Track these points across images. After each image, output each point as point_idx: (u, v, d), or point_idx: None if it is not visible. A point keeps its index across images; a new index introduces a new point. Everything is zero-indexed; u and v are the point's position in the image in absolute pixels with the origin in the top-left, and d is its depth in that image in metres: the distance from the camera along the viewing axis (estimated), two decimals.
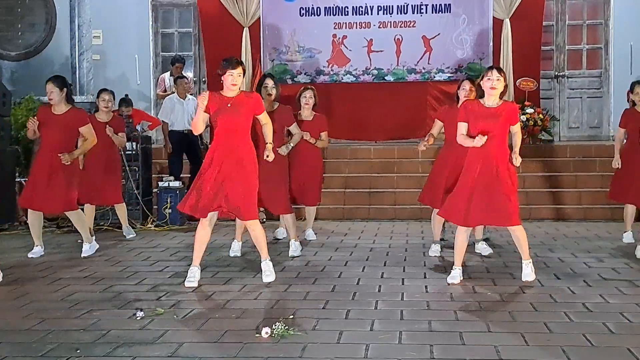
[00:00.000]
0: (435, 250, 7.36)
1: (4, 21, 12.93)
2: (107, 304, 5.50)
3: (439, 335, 4.63)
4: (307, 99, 7.96)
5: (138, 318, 5.04)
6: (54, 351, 4.37)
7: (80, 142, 7.50)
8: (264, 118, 6.25)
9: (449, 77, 12.06)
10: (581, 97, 12.74)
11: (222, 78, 6.01)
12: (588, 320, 4.94)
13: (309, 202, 8.30)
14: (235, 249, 7.41)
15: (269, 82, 7.29)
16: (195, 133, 6.43)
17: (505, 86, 6.05)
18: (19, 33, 12.98)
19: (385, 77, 12.24)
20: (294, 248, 7.43)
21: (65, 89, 7.28)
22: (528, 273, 6.07)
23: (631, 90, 8.02)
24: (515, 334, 4.63)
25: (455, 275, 6.11)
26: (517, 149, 6.02)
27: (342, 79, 12.30)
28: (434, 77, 12.15)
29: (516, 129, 6.08)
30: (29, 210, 7.41)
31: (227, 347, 4.42)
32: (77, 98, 10.62)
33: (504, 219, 6.01)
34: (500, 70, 5.99)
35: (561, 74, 12.68)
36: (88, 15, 12.74)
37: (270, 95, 7.24)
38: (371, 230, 9.26)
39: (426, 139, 7.30)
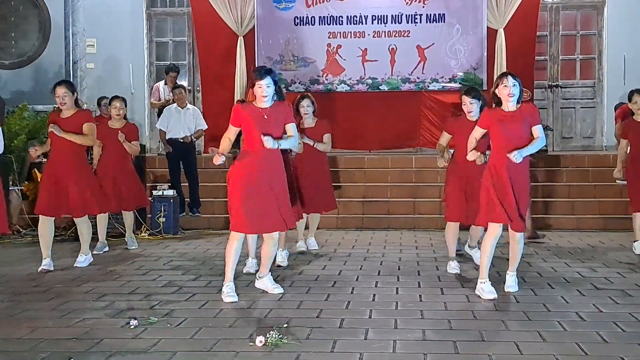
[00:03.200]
0: (454, 267, 7.01)
1: None
2: (100, 312, 5.48)
3: (433, 344, 4.62)
4: (305, 108, 7.87)
5: (131, 327, 5.02)
6: None
7: (95, 149, 7.46)
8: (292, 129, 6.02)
9: (443, 86, 12.08)
10: (574, 107, 12.79)
11: (252, 90, 5.91)
12: (581, 330, 4.94)
13: (324, 208, 8.23)
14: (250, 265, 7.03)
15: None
16: (221, 151, 5.89)
17: (521, 90, 5.94)
18: (13, 42, 12.97)
19: (380, 87, 12.26)
20: (281, 258, 7.33)
21: (75, 93, 7.24)
22: (511, 285, 6.09)
23: (629, 99, 8.03)
24: (509, 343, 4.62)
25: (492, 290, 5.94)
26: (525, 149, 5.79)
27: (337, 88, 12.32)
28: (428, 86, 12.17)
29: (538, 133, 5.90)
30: (40, 221, 7.22)
31: (220, 356, 4.41)
32: None
33: (520, 224, 5.95)
34: (514, 76, 5.93)
35: (555, 84, 12.73)
36: (82, 24, 12.76)
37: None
38: (365, 239, 9.26)
39: (442, 154, 7.08)
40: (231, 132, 5.93)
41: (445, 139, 7.17)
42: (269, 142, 5.68)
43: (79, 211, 7.28)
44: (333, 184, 8.60)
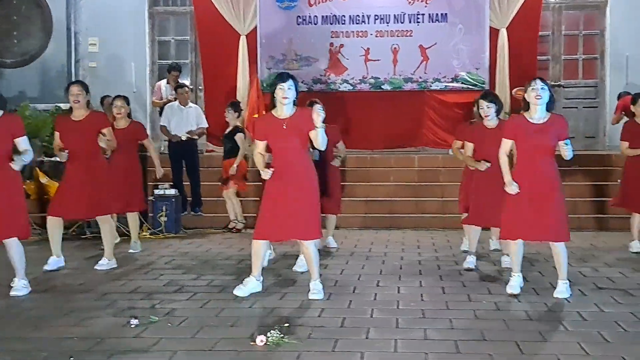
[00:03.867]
0: (471, 261, 7.11)
1: (0, 29, 12.93)
2: (101, 312, 5.48)
3: (435, 344, 4.62)
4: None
5: (132, 326, 5.03)
6: (48, 359, 4.35)
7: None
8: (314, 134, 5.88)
9: (445, 86, 12.07)
10: (577, 107, 12.77)
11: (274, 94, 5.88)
12: (583, 329, 4.94)
13: (331, 211, 8.23)
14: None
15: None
16: (260, 167, 5.96)
17: (551, 96, 5.93)
18: (15, 40, 12.97)
19: (382, 86, 12.25)
20: (301, 264, 7.15)
21: (88, 94, 7.17)
22: (563, 290, 5.95)
23: (634, 102, 8.00)
24: (510, 342, 4.62)
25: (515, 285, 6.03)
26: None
27: (339, 87, 12.31)
28: (431, 86, 12.15)
29: (565, 150, 5.86)
30: (48, 220, 7.15)
31: (221, 355, 4.41)
32: None
33: (553, 234, 5.91)
34: (544, 80, 5.92)
35: (557, 83, 12.70)
36: (84, 23, 12.78)
37: None
38: (367, 239, 9.25)
39: (474, 164, 6.94)
40: (260, 147, 5.95)
41: (469, 148, 7.03)
42: (266, 175, 5.82)
43: (93, 213, 7.24)
44: None
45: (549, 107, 5.88)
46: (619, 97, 10.93)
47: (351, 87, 12.28)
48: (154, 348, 4.56)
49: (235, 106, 9.87)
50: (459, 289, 6.20)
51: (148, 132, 12.63)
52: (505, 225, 6.00)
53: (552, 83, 12.66)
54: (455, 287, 6.29)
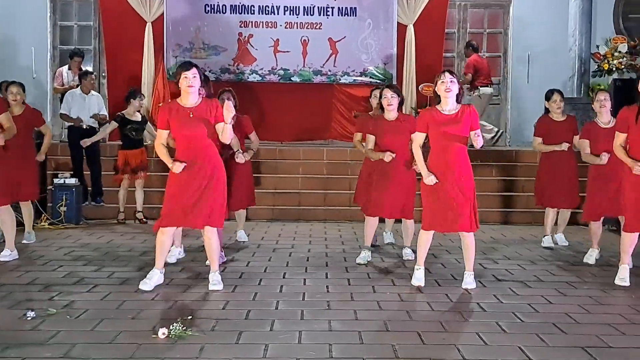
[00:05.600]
0: (363, 256, 7.12)
1: None
2: None
3: (338, 335, 4.64)
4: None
5: (29, 318, 4.86)
6: None
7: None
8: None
9: (354, 80, 12.18)
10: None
11: (178, 83, 5.79)
12: (482, 320, 5.07)
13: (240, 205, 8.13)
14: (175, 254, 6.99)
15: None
16: (165, 160, 5.86)
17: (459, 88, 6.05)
18: None
19: (292, 78, 12.25)
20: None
21: None
22: (471, 282, 6.11)
23: (547, 98, 8.20)
24: (412, 333, 4.69)
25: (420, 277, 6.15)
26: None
27: (248, 78, 12.24)
28: (340, 79, 12.25)
29: (476, 139, 5.94)
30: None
31: (121, 348, 4.30)
32: None
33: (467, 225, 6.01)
34: (452, 73, 5.99)
35: (462, 80, 12.99)
36: None
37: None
38: (275, 231, 9.22)
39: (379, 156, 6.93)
40: (162, 137, 5.85)
41: (371, 140, 7.03)
42: (178, 168, 5.72)
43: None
44: None
45: (458, 99, 6.00)
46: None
47: (260, 78, 12.23)
48: (52, 341, 4.41)
49: (134, 94, 9.54)
50: (364, 281, 6.26)
51: (49, 118, 12.39)
52: (425, 218, 6.10)
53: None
54: (360, 279, 6.34)
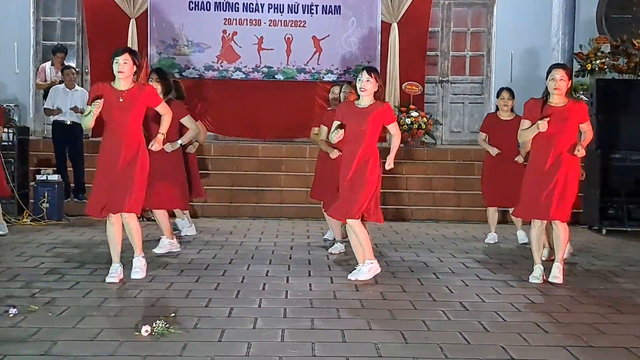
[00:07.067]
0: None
1: None
2: None
3: (321, 333, 4.65)
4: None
5: (10, 315, 4.81)
6: None
7: None
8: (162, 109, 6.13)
9: (337, 78, 12.18)
10: (463, 103, 13.17)
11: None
12: (465, 319, 5.08)
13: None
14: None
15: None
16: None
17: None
18: None
19: (275, 76, 12.25)
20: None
21: None
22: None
23: (497, 95, 8.31)
24: (395, 332, 4.70)
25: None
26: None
27: (232, 75, 12.21)
28: (323, 77, 12.25)
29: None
30: None
31: (103, 346, 4.28)
32: None
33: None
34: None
35: (445, 79, 13.06)
36: None
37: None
38: (257, 228, 9.22)
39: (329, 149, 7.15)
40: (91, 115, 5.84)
41: (324, 132, 7.21)
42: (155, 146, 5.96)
43: None
44: (226, 173, 8.52)
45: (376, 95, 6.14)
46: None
47: (244, 76, 12.21)
48: (34, 338, 4.38)
49: None
50: (347, 280, 6.24)
51: (31, 114, 12.33)
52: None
53: (440, 78, 13.01)
54: (343, 278, 6.32)
